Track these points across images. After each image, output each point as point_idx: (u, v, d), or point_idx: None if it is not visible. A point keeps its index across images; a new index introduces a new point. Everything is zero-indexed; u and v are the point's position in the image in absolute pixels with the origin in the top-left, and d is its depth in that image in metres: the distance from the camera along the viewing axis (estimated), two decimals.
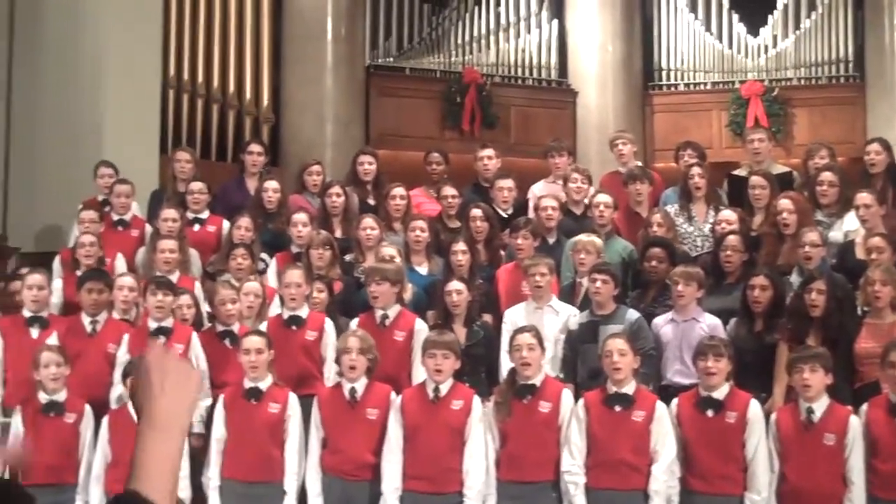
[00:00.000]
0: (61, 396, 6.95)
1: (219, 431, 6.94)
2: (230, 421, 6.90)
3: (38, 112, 11.25)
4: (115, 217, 9.19)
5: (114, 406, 7.17)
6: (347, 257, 8.67)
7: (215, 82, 12.66)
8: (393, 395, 6.92)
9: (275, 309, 7.93)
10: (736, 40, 14.80)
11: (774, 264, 7.97)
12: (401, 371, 7.43)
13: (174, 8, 12.29)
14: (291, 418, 6.93)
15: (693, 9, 14.87)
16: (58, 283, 8.36)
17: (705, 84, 14.84)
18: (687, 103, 14.72)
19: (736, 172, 9.80)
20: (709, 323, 7.39)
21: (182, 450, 1.73)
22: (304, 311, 7.64)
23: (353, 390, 6.87)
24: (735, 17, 14.80)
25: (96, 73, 11.07)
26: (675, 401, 6.79)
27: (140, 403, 1.73)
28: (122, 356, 7.35)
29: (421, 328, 7.52)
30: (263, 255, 8.78)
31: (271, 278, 8.45)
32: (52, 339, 7.39)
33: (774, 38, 14.77)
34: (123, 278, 7.99)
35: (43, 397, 6.92)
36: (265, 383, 6.94)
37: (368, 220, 8.72)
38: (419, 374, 7.19)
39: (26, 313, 7.74)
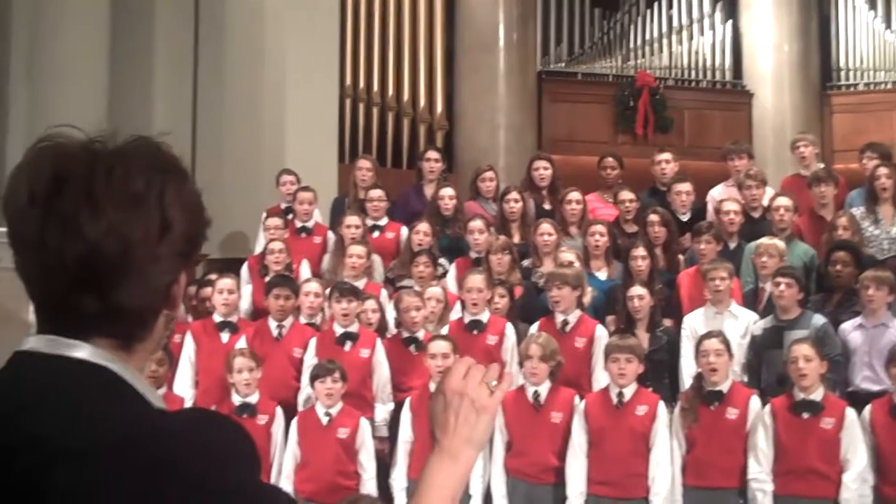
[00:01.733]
0: (254, 399, 7.14)
1: (406, 434, 7.05)
2: (417, 424, 6.99)
3: (223, 123, 11.63)
4: (299, 224, 9.41)
5: (301, 408, 7.36)
6: (525, 262, 8.70)
7: (390, 91, 12.91)
8: (576, 399, 6.94)
9: (455, 314, 8.02)
10: None
11: None
12: (581, 377, 7.42)
13: (350, 21, 12.63)
14: None
15: (872, 6, 14.50)
16: (247, 289, 8.59)
17: (886, 83, 14.44)
18: (867, 103, 14.36)
19: None
20: None
21: (465, 482, 1.81)
22: (485, 316, 7.72)
23: (536, 394, 6.92)
24: None
25: (278, 85, 11.39)
26: (867, 408, 6.63)
27: (432, 429, 1.82)
28: (310, 360, 7.51)
29: (601, 334, 7.51)
30: (442, 261, 8.88)
31: (451, 284, 8.54)
32: (241, 343, 7.59)
33: None
34: (309, 284, 8.15)
35: (236, 399, 7.11)
36: None
37: (546, 226, 8.72)
38: (600, 379, 7.19)
39: (217, 318, 7.96)
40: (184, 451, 1.38)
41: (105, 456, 1.35)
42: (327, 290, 8.01)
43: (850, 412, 6.55)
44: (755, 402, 6.73)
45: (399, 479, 7.03)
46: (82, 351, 1.45)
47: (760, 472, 6.54)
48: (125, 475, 1.34)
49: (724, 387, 6.74)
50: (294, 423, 7.11)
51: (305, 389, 7.42)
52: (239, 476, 1.41)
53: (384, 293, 8.43)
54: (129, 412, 1.42)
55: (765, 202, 8.97)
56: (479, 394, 1.83)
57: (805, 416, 6.52)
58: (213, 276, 8.53)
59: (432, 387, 7.00)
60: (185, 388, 7.71)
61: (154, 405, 1.47)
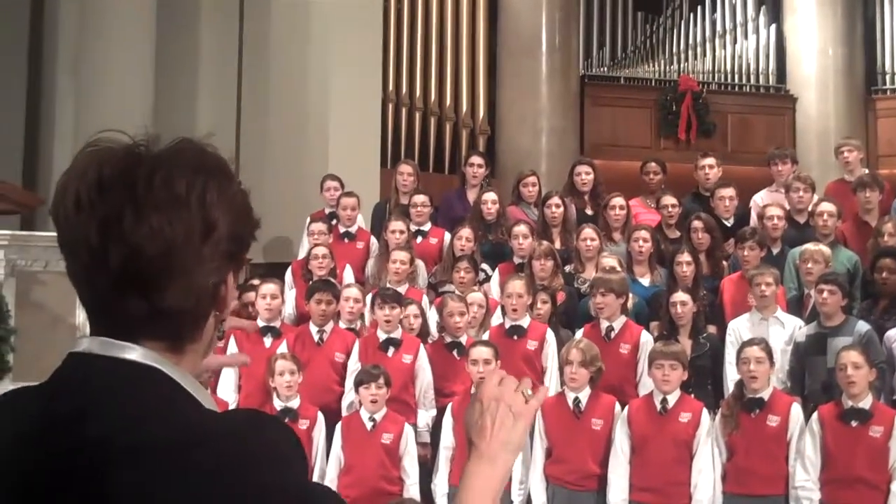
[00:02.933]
0: (295, 403, 7.15)
1: (447, 440, 7.05)
2: (458, 430, 6.95)
3: (267, 128, 11.69)
4: (342, 229, 9.42)
5: (345, 413, 7.36)
6: (567, 268, 8.67)
7: (433, 96, 12.92)
8: (617, 406, 6.91)
9: (496, 319, 8.00)
10: None
11: None
12: (626, 383, 7.40)
13: (393, 26, 12.64)
14: None
15: None
16: (291, 294, 8.61)
17: None
18: None
19: None
20: None
21: (503, 485, 1.83)
22: (525, 321, 7.69)
23: (576, 400, 6.89)
24: None
25: (321, 90, 11.43)
26: None
27: (469, 435, 1.83)
28: (353, 365, 7.52)
29: (646, 340, 7.48)
30: (484, 266, 8.86)
31: (494, 289, 8.52)
32: (282, 348, 7.61)
33: None
34: (350, 289, 8.14)
35: (278, 404, 7.12)
36: None
37: (588, 231, 8.70)
38: (647, 385, 7.15)
39: (260, 322, 7.96)
40: (230, 454, 1.39)
41: (157, 458, 1.37)
42: (367, 296, 8.02)
43: None
44: (796, 409, 6.69)
45: (441, 485, 7.03)
46: (133, 353, 1.47)
47: (808, 481, 6.49)
48: (174, 478, 1.36)
49: (765, 394, 6.69)
50: (338, 428, 7.11)
51: (349, 394, 7.43)
52: (284, 477, 1.42)
53: (425, 299, 8.43)
54: (178, 414, 1.44)
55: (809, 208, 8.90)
56: (514, 400, 1.85)
57: (854, 424, 6.46)
58: (256, 281, 8.55)
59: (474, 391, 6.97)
60: (228, 392, 7.72)
61: (204, 406, 1.48)
